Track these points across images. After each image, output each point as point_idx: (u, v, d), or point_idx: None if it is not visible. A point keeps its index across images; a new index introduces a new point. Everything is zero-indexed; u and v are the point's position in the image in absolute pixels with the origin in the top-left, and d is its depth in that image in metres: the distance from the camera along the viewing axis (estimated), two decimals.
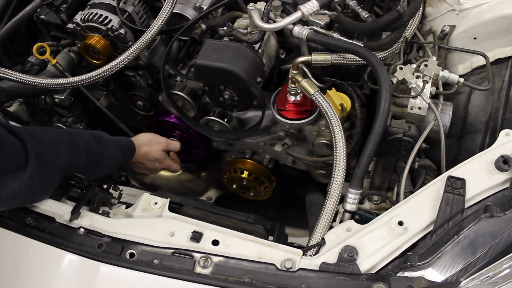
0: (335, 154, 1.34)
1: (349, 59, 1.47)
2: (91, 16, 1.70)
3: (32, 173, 1.12)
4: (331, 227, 1.27)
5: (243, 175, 1.99)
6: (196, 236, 1.22)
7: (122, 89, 1.95)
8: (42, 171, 1.16)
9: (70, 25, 1.76)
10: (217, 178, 2.30)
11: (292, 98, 1.58)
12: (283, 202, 2.38)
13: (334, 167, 1.32)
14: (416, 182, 1.62)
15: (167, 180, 2.32)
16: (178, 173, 2.30)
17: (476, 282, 1.07)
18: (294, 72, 1.50)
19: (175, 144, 1.87)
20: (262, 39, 1.56)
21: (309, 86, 1.47)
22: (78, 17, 1.73)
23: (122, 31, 1.71)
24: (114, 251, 1.21)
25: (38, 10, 1.82)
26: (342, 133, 1.37)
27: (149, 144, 1.74)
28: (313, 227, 1.28)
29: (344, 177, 1.31)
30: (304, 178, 2.08)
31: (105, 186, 1.49)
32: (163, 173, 2.31)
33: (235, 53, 1.51)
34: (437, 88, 1.56)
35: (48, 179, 1.22)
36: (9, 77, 1.63)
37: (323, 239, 1.22)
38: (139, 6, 1.79)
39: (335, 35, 1.48)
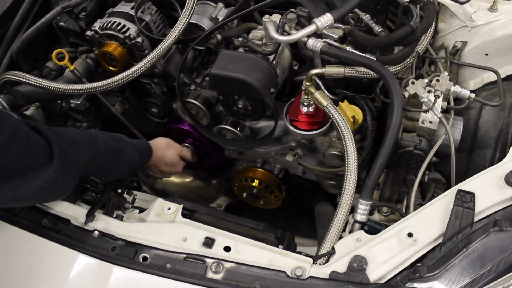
0: (346, 164, 1.36)
1: (361, 72, 1.49)
2: (109, 24, 1.74)
3: (56, 167, 1.15)
4: (341, 237, 1.28)
5: (254, 184, 2.02)
6: (209, 242, 1.24)
7: (137, 96, 1.98)
8: (65, 167, 1.20)
9: (88, 33, 1.80)
10: (227, 186, 2.32)
11: (304, 109, 1.60)
12: (292, 211, 2.39)
13: (345, 178, 1.34)
14: (426, 195, 1.63)
15: (178, 186, 2.34)
16: (189, 179, 2.33)
17: None
18: (308, 83, 1.52)
19: (187, 153, 1.90)
20: (277, 50, 1.59)
21: (322, 98, 1.49)
22: (96, 25, 1.77)
23: (139, 39, 1.75)
24: (128, 254, 1.24)
25: (58, 17, 1.87)
26: (354, 144, 1.39)
27: (166, 148, 1.76)
28: (322, 237, 1.30)
29: (355, 187, 1.33)
30: (314, 188, 2.09)
31: (119, 191, 1.51)
32: (174, 179, 2.33)
33: (250, 64, 1.54)
34: (448, 103, 1.58)
35: (70, 175, 1.24)
36: (29, 81, 1.68)
37: (333, 248, 1.24)
38: (156, 16, 1.83)
39: (349, 48, 1.50)
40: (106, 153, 1.39)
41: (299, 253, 1.45)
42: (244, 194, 2.09)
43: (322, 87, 1.55)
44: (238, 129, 1.81)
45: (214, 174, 2.35)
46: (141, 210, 1.46)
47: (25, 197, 1.14)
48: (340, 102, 1.53)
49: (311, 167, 1.78)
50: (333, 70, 1.50)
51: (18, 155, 1.08)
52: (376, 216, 1.59)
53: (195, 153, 2.00)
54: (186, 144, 1.99)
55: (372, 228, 1.35)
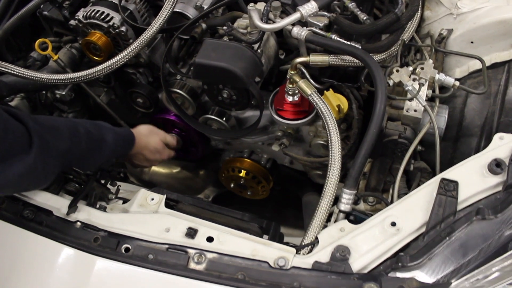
0: (330, 154, 1.35)
1: (346, 61, 1.48)
2: (93, 13, 1.72)
3: (35, 155, 1.14)
4: (325, 227, 1.28)
5: (241, 174, 2.01)
6: (191, 233, 1.23)
7: (122, 86, 1.96)
8: (45, 154, 1.18)
9: (72, 22, 1.77)
10: (215, 177, 2.32)
11: (290, 99, 1.59)
12: (280, 201, 2.39)
13: (329, 167, 1.33)
14: (411, 184, 1.63)
15: (165, 177, 2.33)
16: (176, 170, 2.32)
17: (467, 284, 1.08)
18: (292, 72, 1.51)
19: (171, 139, 1.89)
20: (261, 39, 1.57)
21: (307, 87, 1.48)
22: (80, 14, 1.75)
23: (123, 28, 1.73)
24: (110, 245, 1.23)
25: (41, 6, 1.85)
26: (338, 133, 1.38)
27: (149, 135, 1.75)
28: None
29: (338, 177, 1.32)
30: (301, 179, 2.09)
31: (102, 182, 1.50)
32: (162, 170, 2.32)
33: (234, 53, 1.52)
34: (434, 91, 1.57)
35: (51, 163, 1.23)
36: (11, 71, 1.65)
37: (316, 238, 1.23)
38: (141, 4, 1.80)
39: (334, 36, 1.49)
40: (88, 140, 1.38)
41: (286, 243, 1.45)
42: (232, 185, 2.08)
43: (307, 76, 1.54)
44: (224, 119, 1.80)
45: (202, 164, 2.34)
46: (125, 201, 1.45)
47: (3, 185, 1.13)
48: (325, 91, 1.52)
49: (297, 157, 1.78)
50: (317, 59, 1.49)
51: None
52: (362, 206, 1.59)
53: (180, 139, 1.98)
54: (172, 134, 1.98)
55: (358, 218, 1.35)
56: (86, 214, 1.31)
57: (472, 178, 1.22)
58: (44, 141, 1.18)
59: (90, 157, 1.40)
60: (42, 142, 1.16)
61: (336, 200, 1.32)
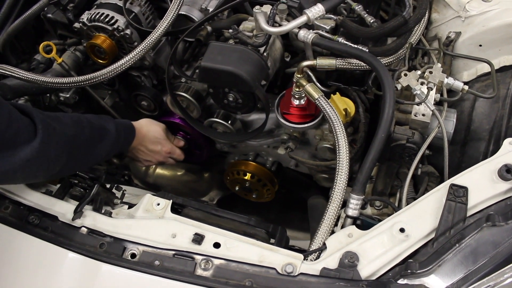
0: (338, 159, 1.34)
1: (353, 64, 1.47)
2: (97, 16, 1.71)
3: (42, 139, 1.16)
4: (332, 232, 1.27)
5: (246, 177, 1.99)
6: (198, 238, 1.23)
7: (127, 89, 1.95)
8: (51, 139, 1.20)
9: (76, 25, 1.76)
10: (219, 180, 2.30)
11: (296, 102, 1.58)
12: (285, 204, 2.38)
13: (336, 172, 1.32)
14: (419, 188, 1.62)
15: (170, 180, 2.32)
16: (180, 173, 2.31)
17: None
18: (299, 76, 1.50)
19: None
20: (268, 42, 1.56)
21: (314, 91, 1.47)
22: (84, 17, 1.74)
23: (128, 31, 1.72)
24: (116, 251, 1.22)
25: (46, 8, 1.83)
26: (346, 138, 1.37)
27: (149, 125, 1.79)
28: (314, 231, 1.29)
29: (346, 182, 1.31)
30: (306, 182, 2.08)
31: (108, 186, 1.49)
32: (166, 172, 2.31)
33: (240, 56, 1.51)
34: (442, 95, 1.56)
35: (57, 148, 1.24)
36: (15, 75, 1.64)
37: (324, 244, 1.22)
38: (146, 7, 1.79)
39: (340, 39, 1.48)
40: (91, 128, 1.40)
41: (292, 247, 1.44)
42: (237, 188, 2.07)
43: (314, 79, 1.53)
44: (229, 122, 1.78)
45: (206, 167, 2.33)
46: (130, 205, 1.45)
47: (12, 170, 1.13)
48: (332, 95, 1.51)
49: (303, 160, 1.76)
50: (324, 62, 1.47)
51: (2, 130, 1.09)
52: (369, 210, 1.58)
53: (185, 141, 1.98)
54: (178, 137, 1.97)
55: (365, 222, 1.34)
56: (91, 219, 1.30)
57: (482, 184, 1.21)
58: (50, 127, 1.20)
59: (95, 146, 1.42)
60: (48, 128, 1.19)
61: (343, 204, 1.31)
